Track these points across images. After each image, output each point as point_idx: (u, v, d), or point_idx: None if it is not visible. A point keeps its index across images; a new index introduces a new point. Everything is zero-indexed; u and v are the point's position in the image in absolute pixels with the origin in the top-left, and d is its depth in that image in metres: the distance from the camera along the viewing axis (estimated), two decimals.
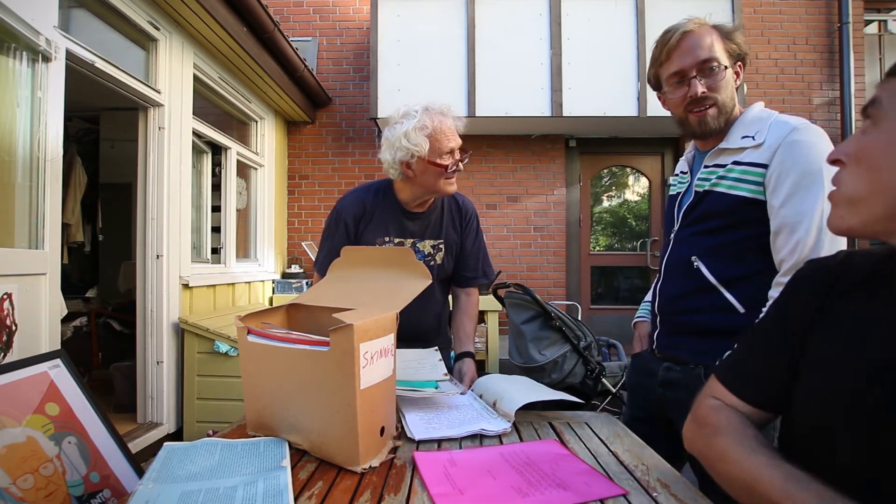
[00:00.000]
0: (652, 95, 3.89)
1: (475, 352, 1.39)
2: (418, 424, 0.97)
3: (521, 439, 0.93)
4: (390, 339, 0.84)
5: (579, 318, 3.42)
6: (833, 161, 0.56)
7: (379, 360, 0.79)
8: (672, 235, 1.11)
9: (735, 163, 1.00)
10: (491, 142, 4.52)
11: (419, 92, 4.02)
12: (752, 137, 0.98)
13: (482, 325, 3.85)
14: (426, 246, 1.40)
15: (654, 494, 0.68)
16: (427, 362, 1.18)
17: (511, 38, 4.03)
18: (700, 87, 1.00)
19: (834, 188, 0.56)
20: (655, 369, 1.12)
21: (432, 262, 1.40)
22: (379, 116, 4.03)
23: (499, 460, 0.79)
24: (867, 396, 0.49)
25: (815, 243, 0.89)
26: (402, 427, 0.97)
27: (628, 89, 3.91)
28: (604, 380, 2.39)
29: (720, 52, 1.00)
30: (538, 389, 1.10)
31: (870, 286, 0.56)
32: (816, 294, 0.60)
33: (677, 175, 1.19)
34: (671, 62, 1.03)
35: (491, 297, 3.35)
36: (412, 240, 1.39)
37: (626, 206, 4.91)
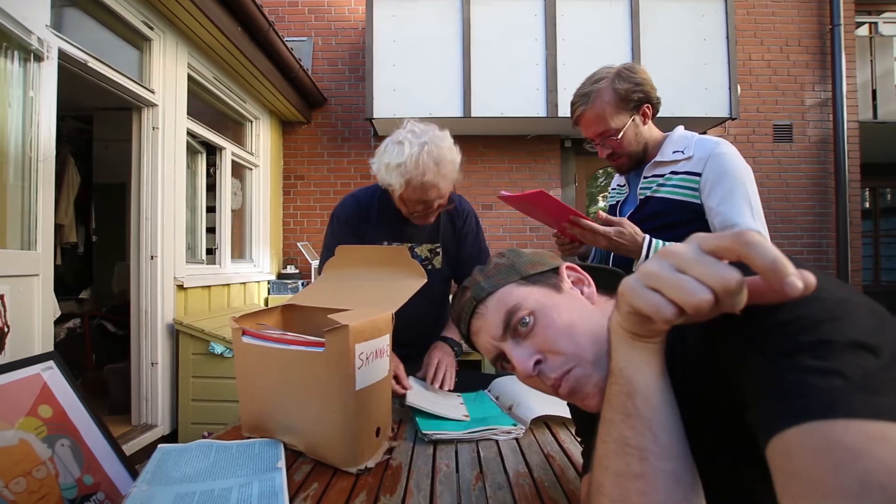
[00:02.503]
0: None
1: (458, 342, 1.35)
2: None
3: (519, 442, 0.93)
4: (385, 339, 0.84)
5: None
6: (535, 363, 0.54)
7: (374, 361, 0.79)
8: None
9: (672, 172, 1.19)
10: (486, 142, 4.52)
11: (414, 92, 4.02)
12: (682, 152, 1.18)
13: None
14: (423, 250, 1.39)
15: None
16: (447, 402, 1.16)
17: (506, 38, 4.04)
18: (605, 151, 1.24)
19: (559, 386, 0.53)
20: None
21: (430, 267, 1.39)
22: (374, 117, 4.03)
23: None
24: None
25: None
26: (397, 429, 0.97)
27: None
28: None
29: (615, 118, 1.18)
30: (558, 402, 1.11)
31: None
32: None
33: (615, 188, 1.40)
34: (581, 131, 1.26)
35: None
36: (409, 244, 1.38)
37: None
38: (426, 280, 1.03)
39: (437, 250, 1.40)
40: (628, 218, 1.24)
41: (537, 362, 0.54)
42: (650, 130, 1.24)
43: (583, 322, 0.54)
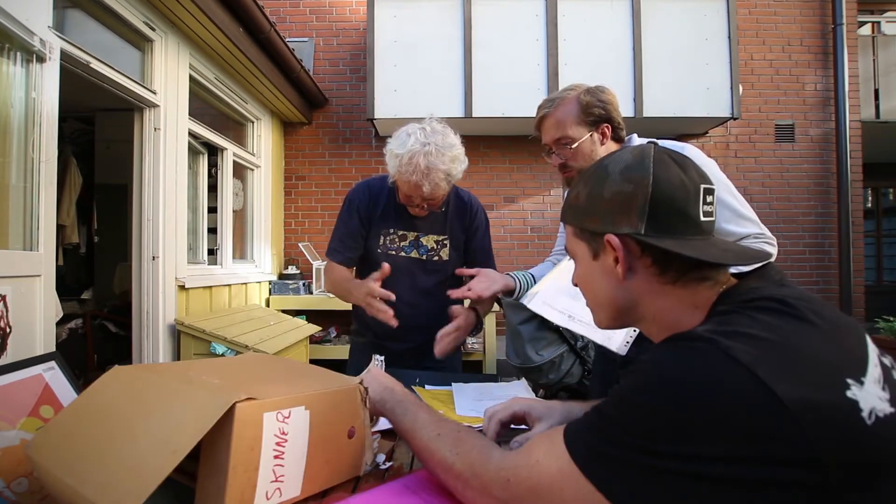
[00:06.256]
0: (648, 96, 3.91)
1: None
2: (465, 406, 1.02)
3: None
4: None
5: None
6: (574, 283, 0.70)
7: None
8: None
9: None
10: (487, 143, 4.52)
11: (416, 93, 4.03)
12: None
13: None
14: (430, 241, 1.42)
15: None
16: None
17: (508, 39, 4.04)
18: (557, 160, 1.22)
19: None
20: (614, 355, 1.19)
21: (436, 258, 1.42)
22: (376, 117, 4.03)
23: (401, 493, 0.66)
24: None
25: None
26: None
27: (625, 90, 3.91)
28: None
29: (574, 128, 1.17)
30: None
31: None
32: None
33: None
34: (541, 136, 1.24)
35: None
36: (416, 233, 1.41)
37: None
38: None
39: (445, 242, 1.43)
40: None
41: None
42: (607, 150, 1.20)
43: (599, 294, 0.63)
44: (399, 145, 1.24)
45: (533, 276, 1.43)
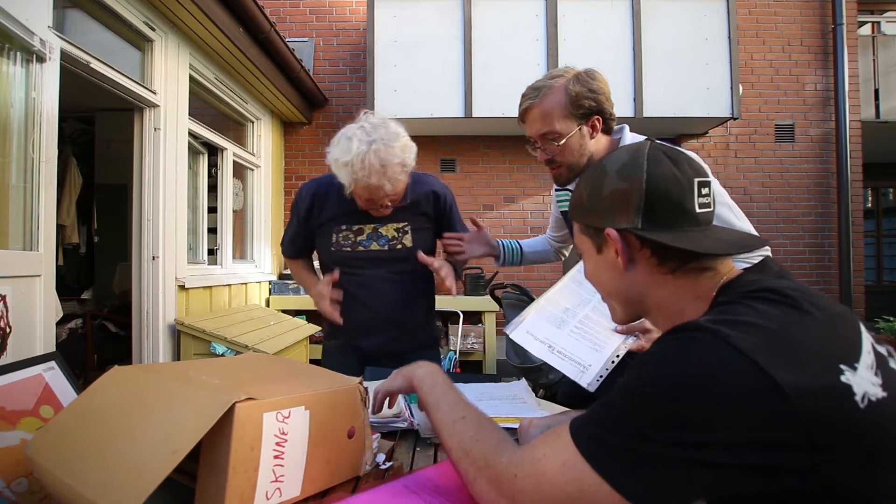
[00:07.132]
0: (648, 95, 3.91)
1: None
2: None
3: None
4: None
5: None
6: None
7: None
8: None
9: None
10: (488, 143, 4.52)
11: (416, 93, 4.03)
12: None
13: (479, 325, 3.85)
14: (389, 230, 1.35)
15: None
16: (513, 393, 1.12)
17: (508, 39, 4.04)
18: (543, 155, 1.13)
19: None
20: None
21: (399, 246, 1.35)
22: None
23: (401, 493, 0.65)
24: None
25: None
26: (398, 430, 0.97)
27: (625, 90, 3.91)
28: None
29: (561, 121, 1.07)
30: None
31: None
32: None
33: (560, 199, 1.30)
34: (525, 127, 1.16)
35: (488, 297, 3.35)
36: (373, 225, 1.33)
37: None
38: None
39: (406, 228, 1.35)
40: None
41: None
42: (597, 143, 1.12)
43: (607, 286, 0.66)
44: (343, 152, 1.16)
45: (520, 244, 1.45)
